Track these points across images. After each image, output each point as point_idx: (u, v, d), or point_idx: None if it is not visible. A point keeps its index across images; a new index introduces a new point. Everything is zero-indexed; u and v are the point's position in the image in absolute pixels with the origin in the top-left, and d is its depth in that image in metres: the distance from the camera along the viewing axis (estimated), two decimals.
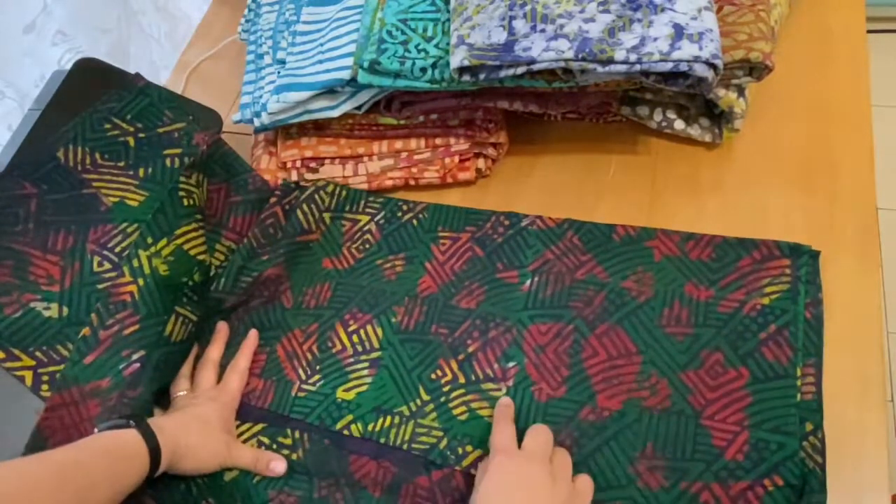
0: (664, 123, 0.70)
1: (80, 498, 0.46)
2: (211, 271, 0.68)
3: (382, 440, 0.59)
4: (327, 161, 0.74)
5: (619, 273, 0.63)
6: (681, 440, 0.54)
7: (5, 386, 0.58)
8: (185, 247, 0.65)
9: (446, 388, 0.61)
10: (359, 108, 0.69)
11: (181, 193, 0.65)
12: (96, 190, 0.64)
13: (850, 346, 0.57)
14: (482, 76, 0.61)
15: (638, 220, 0.66)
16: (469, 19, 0.62)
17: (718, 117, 0.69)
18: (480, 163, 0.72)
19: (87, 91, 0.66)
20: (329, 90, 0.68)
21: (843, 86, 0.72)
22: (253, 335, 0.66)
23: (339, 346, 0.65)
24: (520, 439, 0.55)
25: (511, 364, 0.60)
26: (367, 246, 0.70)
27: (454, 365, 0.61)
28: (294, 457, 0.60)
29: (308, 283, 0.69)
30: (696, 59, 0.57)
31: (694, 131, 0.70)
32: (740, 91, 0.66)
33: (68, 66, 0.67)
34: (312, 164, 0.74)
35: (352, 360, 0.64)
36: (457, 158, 0.72)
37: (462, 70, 0.61)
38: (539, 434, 0.54)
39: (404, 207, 0.72)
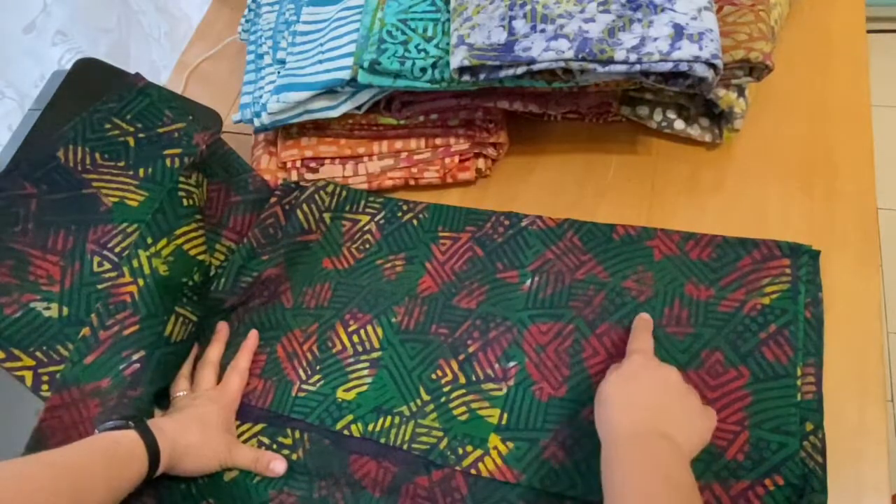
0: (664, 123, 0.70)
1: (79, 499, 0.46)
2: (211, 271, 0.68)
3: (383, 440, 0.59)
4: (327, 161, 0.74)
5: (620, 273, 0.63)
6: None
7: (5, 386, 0.58)
8: (185, 247, 0.65)
9: (447, 389, 0.61)
10: (359, 108, 0.69)
11: (181, 193, 0.65)
12: (96, 190, 0.64)
13: (850, 346, 0.57)
14: (482, 76, 0.61)
15: (638, 220, 0.66)
16: (469, 19, 0.62)
17: (718, 117, 0.69)
18: (480, 163, 0.72)
19: (87, 91, 0.66)
20: (329, 90, 0.68)
21: (843, 86, 0.72)
22: (253, 335, 0.66)
23: (339, 347, 0.65)
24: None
25: (511, 364, 0.60)
26: (368, 246, 0.70)
27: (454, 365, 0.61)
28: (294, 457, 0.60)
29: (308, 283, 0.69)
30: (696, 59, 0.57)
31: (694, 131, 0.70)
32: (740, 91, 0.66)
33: (68, 66, 0.67)
34: (312, 164, 0.74)
35: (352, 360, 0.64)
36: (457, 158, 0.72)
37: (462, 70, 0.61)
38: None
39: (404, 207, 0.72)
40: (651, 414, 0.49)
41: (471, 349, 0.62)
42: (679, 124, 0.69)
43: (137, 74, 0.69)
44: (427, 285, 0.66)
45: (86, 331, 0.60)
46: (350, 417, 0.61)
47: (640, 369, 0.52)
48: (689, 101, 0.68)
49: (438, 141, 0.72)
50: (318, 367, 0.64)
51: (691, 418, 0.50)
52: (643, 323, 0.58)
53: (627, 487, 0.45)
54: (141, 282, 0.61)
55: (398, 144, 0.72)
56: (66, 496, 0.45)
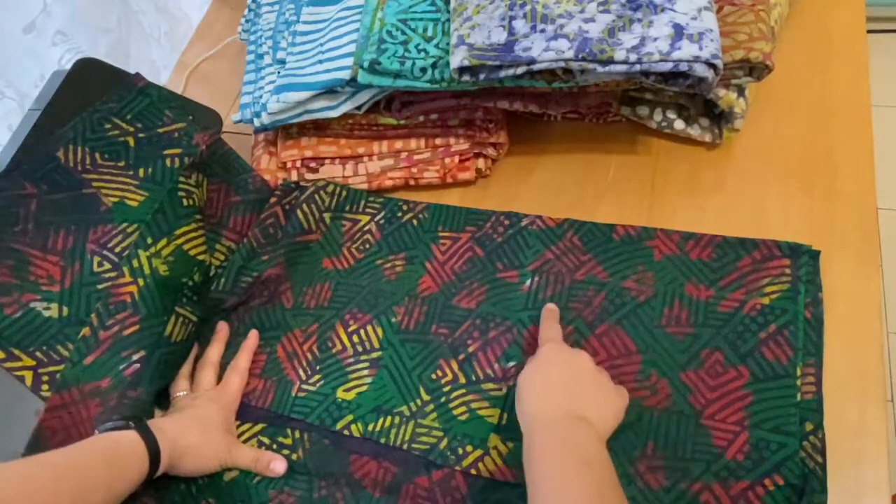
0: (664, 123, 0.70)
1: (80, 500, 0.46)
2: (211, 271, 0.68)
3: (383, 440, 0.59)
4: (327, 161, 0.74)
5: (619, 273, 0.63)
6: (681, 440, 0.54)
7: (5, 386, 0.58)
8: (185, 247, 0.65)
9: (446, 389, 0.61)
10: (359, 108, 0.69)
11: (181, 193, 0.65)
12: (96, 190, 0.64)
13: (850, 346, 0.57)
14: (482, 76, 0.61)
15: (638, 220, 0.66)
16: (469, 19, 0.62)
17: (718, 117, 0.69)
18: (480, 163, 0.72)
19: (87, 91, 0.66)
20: (329, 90, 0.68)
21: (843, 86, 0.72)
22: (253, 335, 0.66)
23: (339, 347, 0.65)
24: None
25: (511, 364, 0.60)
26: (368, 246, 0.70)
27: (454, 365, 0.61)
28: (294, 457, 0.60)
29: (308, 283, 0.69)
30: (696, 59, 0.57)
31: (694, 131, 0.70)
32: (740, 91, 0.66)
33: (68, 66, 0.67)
34: (312, 164, 0.74)
35: (352, 360, 0.64)
36: (457, 158, 0.72)
37: (462, 70, 0.61)
38: None
39: (404, 207, 0.72)
40: (566, 398, 0.51)
41: (471, 349, 0.62)
42: (679, 124, 0.69)
43: (137, 74, 0.69)
44: (427, 285, 0.66)
45: (86, 331, 0.60)
46: (350, 417, 0.61)
47: (552, 356, 0.54)
48: (689, 101, 0.68)
49: (438, 141, 0.72)
50: (318, 367, 0.64)
51: (605, 398, 0.52)
52: (549, 313, 0.60)
53: (546, 471, 0.47)
54: (141, 282, 0.61)
55: (398, 144, 0.72)
56: (67, 497, 0.45)
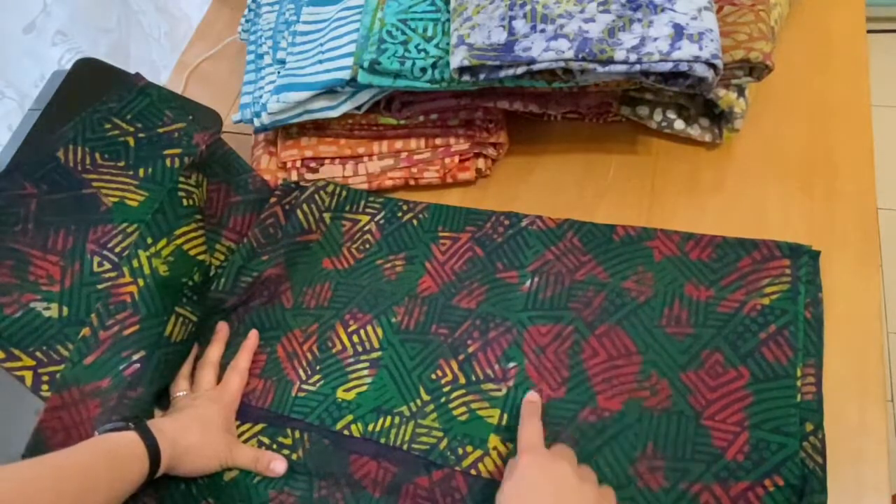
0: (664, 123, 0.70)
1: (81, 501, 0.46)
2: (211, 271, 0.68)
3: (383, 440, 0.59)
4: (327, 161, 0.74)
5: (620, 273, 0.63)
6: (681, 440, 0.54)
7: (5, 386, 0.58)
8: (185, 247, 0.65)
9: (446, 389, 0.61)
10: (359, 108, 0.69)
11: (181, 194, 0.65)
12: (96, 190, 0.64)
13: (850, 346, 0.57)
14: (482, 76, 0.61)
15: (638, 220, 0.66)
16: (469, 19, 0.62)
17: (718, 117, 0.69)
18: (480, 163, 0.72)
19: (87, 91, 0.66)
20: (329, 90, 0.68)
21: (843, 86, 0.72)
22: (253, 335, 0.66)
23: (339, 347, 0.65)
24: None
25: (511, 364, 0.60)
26: (368, 246, 0.70)
27: (454, 365, 0.61)
28: (294, 457, 0.60)
29: (308, 283, 0.69)
30: (696, 59, 0.57)
31: (694, 131, 0.70)
32: (740, 91, 0.66)
33: (68, 66, 0.67)
34: (312, 164, 0.74)
35: (352, 360, 0.64)
36: (457, 158, 0.72)
37: (462, 70, 0.61)
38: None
39: (404, 207, 0.72)
40: None
41: (470, 349, 0.62)
42: (679, 124, 0.69)
43: (137, 74, 0.69)
44: (427, 285, 0.66)
45: (86, 331, 0.60)
46: (350, 417, 0.61)
47: (532, 472, 0.50)
48: (689, 101, 0.68)
49: (438, 141, 0.72)
50: (318, 367, 0.64)
51: None
52: (529, 411, 0.56)
53: None
54: (141, 282, 0.61)
55: (398, 144, 0.72)
56: (68, 498, 0.45)
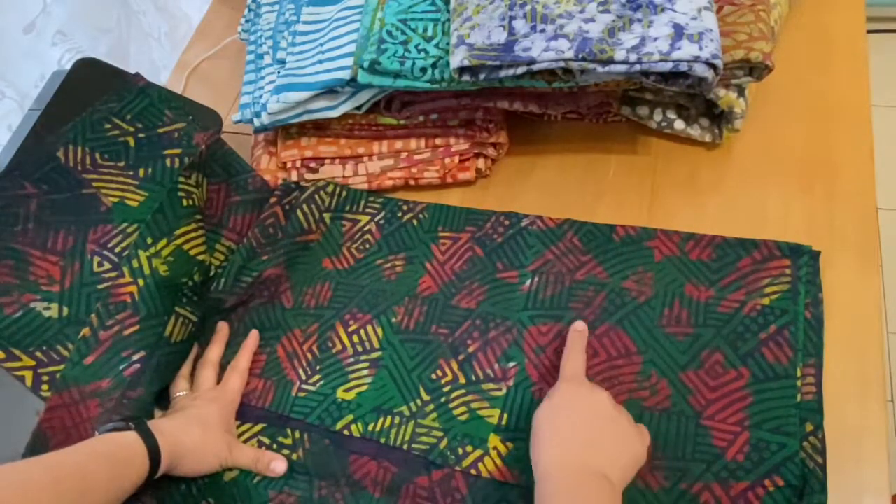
0: (664, 123, 0.70)
1: (81, 501, 0.46)
2: (211, 271, 0.68)
3: (383, 440, 0.59)
4: (327, 161, 0.74)
5: (620, 273, 0.63)
6: (681, 440, 0.54)
7: (5, 386, 0.58)
8: (185, 247, 0.65)
9: (446, 389, 0.61)
10: (359, 108, 0.69)
11: (181, 194, 0.65)
12: (96, 190, 0.64)
13: (850, 346, 0.57)
14: (482, 76, 0.61)
15: (638, 221, 0.66)
16: (469, 19, 0.62)
17: (718, 117, 0.69)
18: (480, 163, 0.72)
19: (87, 91, 0.66)
20: (329, 90, 0.68)
21: (843, 86, 0.72)
22: (253, 335, 0.66)
23: (339, 347, 0.65)
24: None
25: (511, 364, 0.60)
26: (367, 246, 0.70)
27: (454, 365, 0.61)
28: (294, 457, 0.60)
29: (308, 283, 0.69)
30: (696, 59, 0.57)
31: (694, 131, 0.70)
32: (740, 91, 0.66)
33: (68, 66, 0.67)
34: (312, 164, 0.74)
35: (352, 360, 0.64)
36: (457, 158, 0.72)
37: (462, 70, 0.61)
38: None
39: (404, 207, 0.72)
40: (582, 447, 0.49)
41: (471, 349, 0.62)
42: (679, 124, 0.69)
43: (137, 74, 0.69)
44: (427, 285, 0.66)
45: (86, 331, 0.60)
46: (350, 417, 0.61)
47: (571, 399, 0.52)
48: (689, 101, 0.68)
49: (438, 141, 0.72)
50: (318, 367, 0.64)
51: (624, 446, 0.50)
52: (576, 340, 0.57)
53: None
54: (141, 282, 0.61)
55: (398, 144, 0.72)
56: (69, 499, 0.45)
